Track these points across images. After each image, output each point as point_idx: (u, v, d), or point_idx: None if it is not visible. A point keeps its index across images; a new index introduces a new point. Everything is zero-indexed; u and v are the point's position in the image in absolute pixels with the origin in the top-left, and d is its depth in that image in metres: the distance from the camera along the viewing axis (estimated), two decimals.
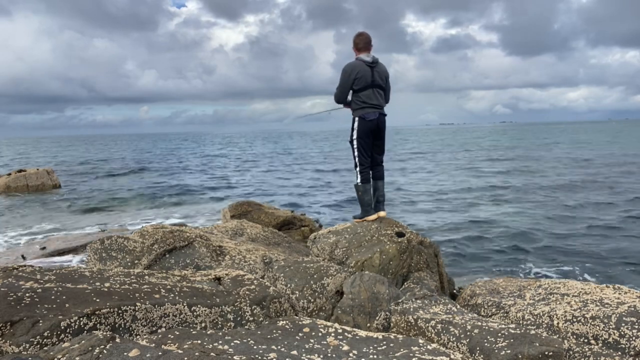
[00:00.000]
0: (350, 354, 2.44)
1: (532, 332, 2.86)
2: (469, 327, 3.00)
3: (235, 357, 2.24)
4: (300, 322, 2.88)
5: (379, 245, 4.62)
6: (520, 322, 3.46)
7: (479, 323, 3.06)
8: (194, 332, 2.59)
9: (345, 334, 2.73)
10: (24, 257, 9.08)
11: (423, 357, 2.39)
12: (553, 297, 3.71)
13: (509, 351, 2.68)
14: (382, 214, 5.26)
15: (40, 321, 2.53)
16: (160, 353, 2.19)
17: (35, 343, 2.45)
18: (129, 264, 4.74)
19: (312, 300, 3.86)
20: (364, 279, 3.86)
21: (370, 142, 5.19)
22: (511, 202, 15.79)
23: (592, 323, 3.14)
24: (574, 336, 3.15)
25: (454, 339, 2.97)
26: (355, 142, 5.16)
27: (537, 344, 2.71)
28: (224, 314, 3.10)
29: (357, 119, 5.11)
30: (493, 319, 3.58)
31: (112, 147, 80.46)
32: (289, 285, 3.98)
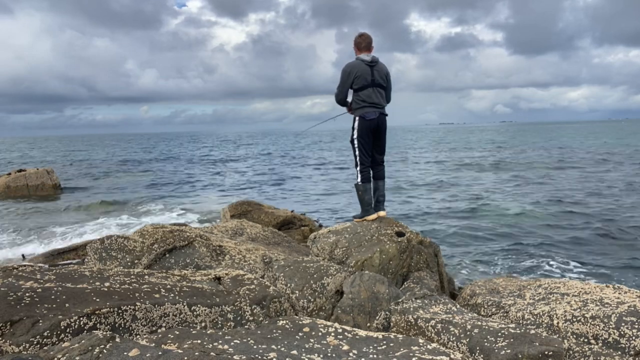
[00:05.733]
0: (350, 354, 2.44)
1: (532, 331, 2.86)
2: (468, 326, 3.00)
3: (235, 357, 2.24)
4: (300, 322, 2.88)
5: (379, 244, 4.62)
6: (520, 321, 3.46)
7: (479, 323, 3.06)
8: (193, 332, 2.59)
9: (345, 333, 2.73)
10: (24, 257, 9.08)
11: (423, 356, 2.39)
12: (553, 296, 3.71)
13: (509, 351, 2.68)
14: (382, 213, 5.26)
15: (40, 321, 2.53)
16: (160, 353, 2.19)
17: (35, 343, 2.45)
18: (129, 263, 4.74)
19: (312, 299, 3.86)
20: (364, 279, 3.86)
21: (371, 141, 5.19)
22: (512, 202, 15.79)
23: (592, 323, 3.14)
24: (574, 336, 3.15)
25: (453, 338, 2.97)
26: (355, 142, 5.16)
27: (537, 344, 2.71)
28: (224, 314, 3.10)
29: (357, 118, 5.11)
30: (493, 318, 3.58)
31: (112, 147, 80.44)
32: (288, 284, 3.98)
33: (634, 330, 2.97)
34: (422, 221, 13.26)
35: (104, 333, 2.35)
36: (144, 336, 2.60)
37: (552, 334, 3.20)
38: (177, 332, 2.56)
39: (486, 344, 2.80)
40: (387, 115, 5.27)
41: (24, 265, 3.33)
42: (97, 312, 2.68)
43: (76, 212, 15.13)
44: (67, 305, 2.70)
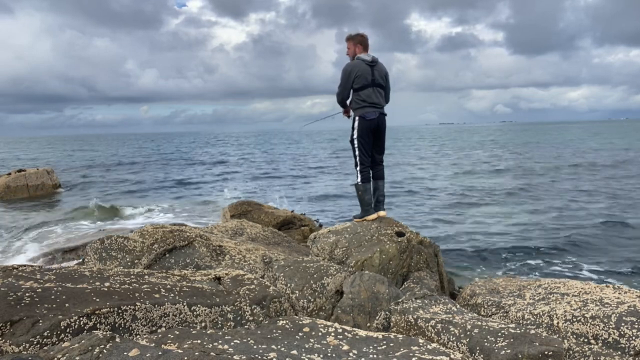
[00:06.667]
0: (350, 354, 2.44)
1: (532, 331, 2.86)
2: (468, 326, 3.00)
3: (235, 357, 2.24)
4: (300, 322, 2.88)
5: (379, 244, 4.62)
6: (520, 321, 3.46)
7: (479, 323, 3.06)
8: (193, 332, 2.59)
9: (345, 333, 2.73)
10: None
11: (423, 356, 2.39)
12: (553, 296, 3.71)
13: (509, 351, 2.68)
14: (382, 213, 5.26)
15: (40, 321, 2.53)
16: (160, 353, 2.19)
17: (35, 343, 2.45)
18: (129, 263, 4.74)
19: (312, 299, 3.86)
20: (364, 279, 3.86)
21: (371, 141, 5.20)
22: (512, 202, 15.79)
23: (592, 323, 3.14)
24: (574, 336, 3.15)
25: (453, 338, 2.97)
26: (355, 142, 5.17)
27: (537, 344, 2.71)
28: (224, 314, 3.10)
29: (357, 118, 5.12)
30: (493, 318, 3.58)
31: (112, 147, 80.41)
32: (288, 284, 3.98)
33: (634, 330, 2.97)
34: (423, 221, 13.26)
35: (104, 333, 2.35)
36: (144, 336, 2.60)
37: (552, 334, 3.20)
38: (177, 332, 2.56)
39: (486, 344, 2.80)
40: (386, 115, 5.28)
41: (24, 265, 3.33)
42: (97, 312, 2.68)
43: (76, 212, 15.11)
44: (67, 305, 2.70)
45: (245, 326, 3.07)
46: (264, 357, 2.28)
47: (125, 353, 2.17)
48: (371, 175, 5.32)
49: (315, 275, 4.02)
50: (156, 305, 2.89)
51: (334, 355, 2.42)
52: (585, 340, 3.10)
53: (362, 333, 2.74)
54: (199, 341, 2.44)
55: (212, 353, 2.26)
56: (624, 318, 3.08)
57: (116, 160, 42.73)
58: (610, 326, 3.06)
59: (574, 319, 3.22)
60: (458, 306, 3.64)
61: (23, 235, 11.89)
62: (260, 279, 3.75)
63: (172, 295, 3.08)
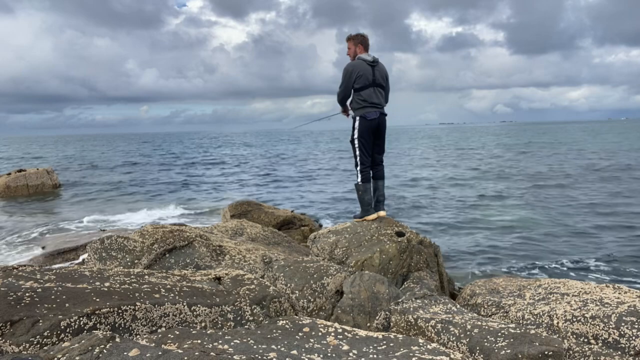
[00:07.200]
0: (350, 354, 2.44)
1: (532, 331, 2.86)
2: (468, 326, 3.00)
3: (235, 357, 2.24)
4: (300, 322, 2.88)
5: (379, 244, 4.62)
6: (520, 321, 3.46)
7: (479, 323, 3.06)
8: (193, 332, 2.59)
9: (345, 333, 2.73)
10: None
11: (423, 356, 2.39)
12: (553, 296, 3.71)
13: (509, 351, 2.68)
14: (382, 213, 5.27)
15: (40, 321, 2.53)
16: (160, 353, 2.19)
17: (35, 343, 2.45)
18: (129, 263, 4.74)
19: (312, 299, 3.86)
20: (364, 279, 3.86)
21: (371, 141, 5.20)
22: (512, 202, 15.79)
23: (592, 323, 3.14)
24: (574, 336, 3.15)
25: (453, 338, 2.97)
26: (356, 142, 5.17)
27: (537, 344, 2.71)
28: (224, 314, 3.10)
29: (358, 118, 5.12)
30: (493, 318, 3.58)
31: (112, 147, 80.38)
32: (288, 284, 3.98)
33: (634, 330, 2.98)
34: (423, 221, 13.26)
35: (104, 333, 2.35)
36: (144, 336, 2.60)
37: (552, 334, 3.20)
38: (177, 332, 2.56)
39: (486, 344, 2.80)
40: (386, 115, 5.29)
41: (24, 265, 3.33)
42: (97, 312, 2.68)
43: (76, 213, 15.13)
44: (67, 305, 2.70)
45: (245, 326, 3.07)
46: (264, 357, 2.28)
47: (125, 353, 2.17)
48: (371, 175, 5.33)
49: (315, 275, 4.02)
50: (156, 305, 2.89)
51: (334, 355, 2.42)
52: (585, 340, 3.10)
53: (362, 333, 2.74)
54: (199, 341, 2.44)
55: (212, 353, 2.26)
56: (624, 318, 3.08)
57: (116, 161, 42.73)
58: (610, 326, 3.06)
59: (574, 319, 3.22)
60: (458, 306, 3.64)
61: (23, 235, 11.89)
62: (260, 279, 3.75)
63: (172, 295, 3.08)
